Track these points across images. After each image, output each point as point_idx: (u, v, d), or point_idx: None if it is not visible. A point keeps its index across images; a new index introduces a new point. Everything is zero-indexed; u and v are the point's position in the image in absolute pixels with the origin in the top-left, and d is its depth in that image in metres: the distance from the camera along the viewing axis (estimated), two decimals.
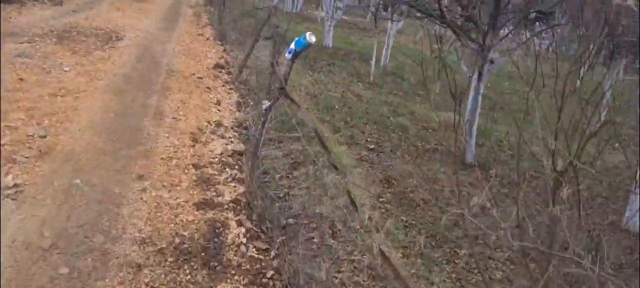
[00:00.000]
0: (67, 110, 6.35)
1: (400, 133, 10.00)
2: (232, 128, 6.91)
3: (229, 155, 6.02)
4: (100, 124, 6.13)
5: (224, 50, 11.87)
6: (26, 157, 5.06)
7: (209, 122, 6.93)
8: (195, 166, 5.55)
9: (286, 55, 4.77)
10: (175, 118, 6.80)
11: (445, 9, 7.89)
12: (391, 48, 16.78)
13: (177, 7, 18.20)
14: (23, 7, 12.33)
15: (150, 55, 9.98)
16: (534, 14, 8.69)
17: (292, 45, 4.70)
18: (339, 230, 5.04)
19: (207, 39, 12.97)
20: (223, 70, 9.91)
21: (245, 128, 6.91)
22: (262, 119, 4.84)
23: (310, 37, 4.36)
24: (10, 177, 4.56)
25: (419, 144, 9.71)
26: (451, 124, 11.50)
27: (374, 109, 11.12)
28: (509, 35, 8.49)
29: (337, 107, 10.42)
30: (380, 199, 6.37)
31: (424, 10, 8.25)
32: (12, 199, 4.25)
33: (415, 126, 10.76)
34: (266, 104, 4.79)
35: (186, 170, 5.43)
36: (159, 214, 4.46)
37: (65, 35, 10.01)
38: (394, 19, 14.38)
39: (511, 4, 8.21)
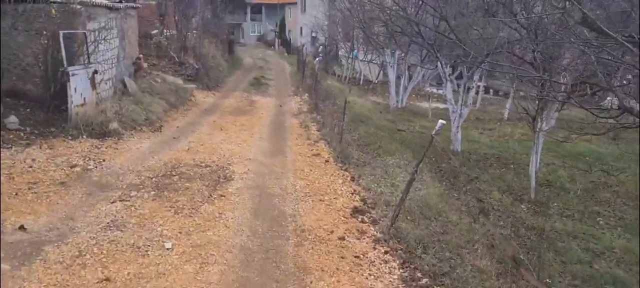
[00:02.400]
0: None
1: None
2: None
3: None
4: None
5: (352, 179, 9.47)
6: None
7: None
8: None
9: None
10: None
11: None
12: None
13: (280, 118, 16.44)
14: (119, 140, 10.81)
15: (269, 201, 7.74)
16: None
17: None
18: None
19: (326, 161, 10.71)
20: (365, 218, 7.40)
21: None
22: None
23: None
24: None
25: None
26: None
27: (568, 252, 8.07)
28: None
29: (521, 256, 7.50)
30: None
31: None
32: None
33: (634, 277, 7.54)
34: None
35: None
36: None
37: (165, 182, 8.06)
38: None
39: None
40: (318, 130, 14.15)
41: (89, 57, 11.29)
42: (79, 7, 11.13)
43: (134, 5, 16.67)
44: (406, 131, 14.93)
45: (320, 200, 7.98)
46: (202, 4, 27.63)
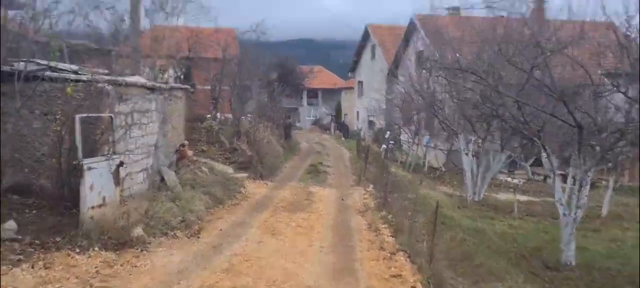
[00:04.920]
0: None
1: None
2: None
3: None
4: None
5: None
6: None
7: None
8: None
9: None
10: None
11: None
12: None
13: (343, 216, 13.73)
14: (143, 252, 8.39)
15: None
16: None
17: None
18: None
19: (413, 287, 7.80)
20: None
21: None
22: None
23: None
24: None
25: None
26: None
27: None
28: None
29: None
30: None
31: None
32: None
33: None
34: None
35: None
36: None
37: None
38: None
39: None
40: (392, 236, 11.29)
41: (114, 146, 9.18)
42: (107, 86, 9.18)
43: (182, 86, 14.94)
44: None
45: None
46: (258, 88, 26.20)
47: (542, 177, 31.34)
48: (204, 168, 15.41)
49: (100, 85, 8.99)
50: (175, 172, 13.25)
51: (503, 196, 24.59)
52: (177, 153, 13.88)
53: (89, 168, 8.24)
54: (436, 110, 21.20)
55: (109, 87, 9.18)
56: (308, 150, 36.22)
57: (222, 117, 24.01)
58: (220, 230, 10.94)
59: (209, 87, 26.02)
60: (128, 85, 10.18)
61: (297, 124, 63.89)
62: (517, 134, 12.60)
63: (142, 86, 11.04)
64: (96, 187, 8.42)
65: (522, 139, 20.10)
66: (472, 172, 21.16)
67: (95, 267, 7.35)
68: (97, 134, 8.64)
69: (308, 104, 68.14)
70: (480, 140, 21.41)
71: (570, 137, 12.83)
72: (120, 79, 9.67)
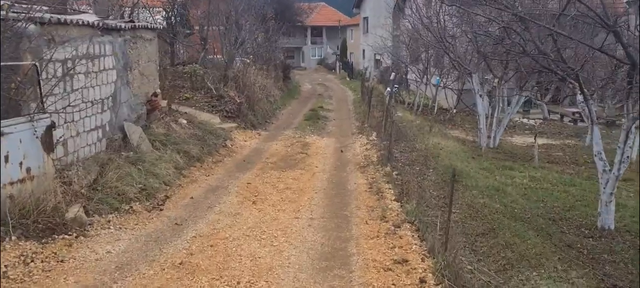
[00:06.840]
0: None
1: None
2: None
3: None
4: None
5: None
6: None
7: None
8: None
9: None
10: None
11: None
12: None
13: (341, 174, 11.89)
14: (79, 237, 6.63)
15: None
16: None
17: None
18: None
19: (422, 281, 6.00)
20: None
21: None
22: None
23: None
24: None
25: None
26: None
27: None
28: None
29: None
30: None
31: None
32: None
33: None
34: None
35: None
36: None
37: None
38: None
39: None
40: (397, 200, 9.44)
41: (42, 102, 7.23)
42: (26, 25, 7.13)
43: (149, 26, 12.81)
44: None
45: None
46: (251, 26, 23.85)
47: (558, 116, 29.20)
48: (182, 120, 13.50)
49: (15, 23, 6.94)
50: (144, 127, 11.35)
51: (519, 139, 22.63)
52: (147, 105, 11.92)
53: (2, 134, 6.34)
54: (447, 47, 18.88)
55: (31, 27, 7.14)
56: (310, 92, 34.19)
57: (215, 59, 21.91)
58: (191, 198, 9.17)
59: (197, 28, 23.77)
60: (64, 24, 8.11)
61: (302, 64, 61.48)
62: (550, 73, 10.45)
63: (89, 25, 8.96)
64: (15, 157, 6.54)
65: (538, 76, 17.89)
66: (486, 116, 19.10)
67: (5, 265, 5.60)
68: (11, 88, 6.67)
69: (312, 43, 65.36)
70: (496, 81, 19.21)
71: (608, 77, 10.75)
72: (49, 16, 7.58)
